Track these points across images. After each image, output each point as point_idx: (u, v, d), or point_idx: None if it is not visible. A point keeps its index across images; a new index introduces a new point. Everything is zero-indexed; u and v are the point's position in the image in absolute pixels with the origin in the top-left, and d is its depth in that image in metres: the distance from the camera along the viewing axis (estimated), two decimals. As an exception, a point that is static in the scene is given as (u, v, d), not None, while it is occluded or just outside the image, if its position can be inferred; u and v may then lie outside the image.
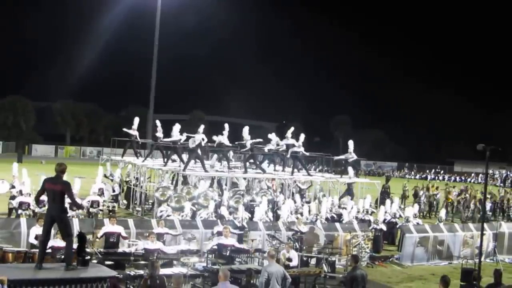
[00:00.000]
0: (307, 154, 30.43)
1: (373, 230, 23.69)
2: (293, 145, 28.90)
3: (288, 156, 29.37)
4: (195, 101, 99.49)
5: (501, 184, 69.42)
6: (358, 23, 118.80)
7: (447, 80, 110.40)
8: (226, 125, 29.04)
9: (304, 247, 19.57)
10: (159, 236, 18.21)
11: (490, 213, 34.61)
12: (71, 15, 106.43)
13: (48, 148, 78.83)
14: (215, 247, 17.42)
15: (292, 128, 29.94)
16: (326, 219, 24.58)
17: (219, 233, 18.45)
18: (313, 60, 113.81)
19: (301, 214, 24.17)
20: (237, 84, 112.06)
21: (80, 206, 13.87)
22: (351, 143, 30.32)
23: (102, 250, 16.61)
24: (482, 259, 17.63)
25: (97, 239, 17.49)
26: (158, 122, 30.12)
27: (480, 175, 75.37)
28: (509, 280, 18.68)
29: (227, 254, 17.10)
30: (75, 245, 12.68)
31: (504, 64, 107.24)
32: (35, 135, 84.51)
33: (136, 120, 31.09)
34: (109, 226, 17.95)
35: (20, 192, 24.02)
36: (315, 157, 42.15)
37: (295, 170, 29.90)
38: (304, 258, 18.86)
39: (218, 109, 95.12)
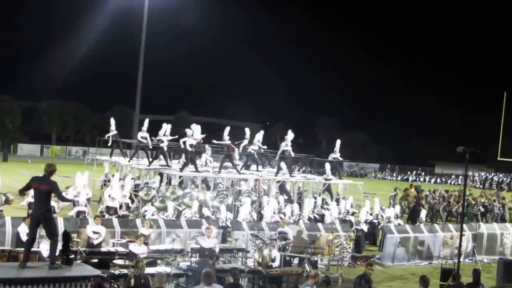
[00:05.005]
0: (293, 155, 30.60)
1: (355, 230, 24.03)
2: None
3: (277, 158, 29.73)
4: (181, 102, 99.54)
5: (481, 186, 70.22)
6: (344, 26, 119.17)
7: (428, 83, 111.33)
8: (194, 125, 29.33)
9: (288, 248, 19.85)
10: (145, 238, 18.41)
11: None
12: (58, 15, 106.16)
13: (33, 147, 78.51)
14: (198, 246, 17.65)
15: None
16: (309, 219, 24.86)
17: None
18: (298, 62, 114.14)
19: (284, 214, 24.40)
20: (223, 84, 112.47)
21: (68, 200, 13.72)
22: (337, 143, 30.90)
23: (86, 249, 16.81)
24: (461, 259, 17.99)
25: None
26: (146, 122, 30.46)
27: (460, 177, 76.07)
28: (487, 280, 19.07)
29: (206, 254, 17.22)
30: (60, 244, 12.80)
31: (485, 67, 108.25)
32: (20, 135, 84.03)
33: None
34: (93, 226, 18.17)
35: None
36: (298, 158, 42.42)
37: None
38: (287, 258, 19.07)
39: (204, 110, 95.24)
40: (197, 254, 17.26)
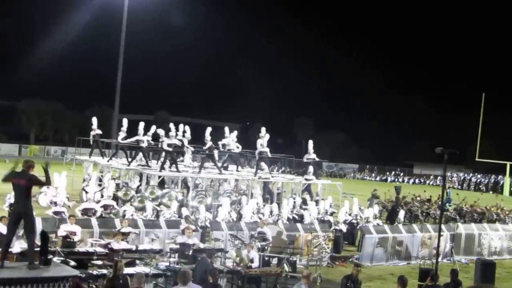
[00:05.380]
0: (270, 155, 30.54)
1: (334, 230, 24.10)
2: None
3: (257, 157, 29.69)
4: (160, 101, 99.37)
5: (459, 187, 70.73)
6: (325, 27, 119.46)
7: (407, 84, 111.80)
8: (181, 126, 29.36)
9: (267, 248, 19.86)
10: (124, 236, 18.36)
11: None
12: (37, 13, 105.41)
13: (12, 147, 77.83)
14: (177, 246, 17.65)
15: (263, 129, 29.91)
16: (288, 219, 24.88)
17: (183, 232, 18.63)
18: (279, 62, 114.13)
19: (263, 214, 24.39)
20: (203, 85, 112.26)
21: (50, 183, 13.46)
22: (310, 144, 30.88)
23: (64, 249, 16.71)
24: (439, 259, 18.13)
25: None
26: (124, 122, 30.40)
27: (439, 177, 76.58)
28: (465, 280, 19.17)
29: (189, 253, 17.30)
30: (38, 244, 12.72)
31: (464, 68, 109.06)
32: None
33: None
34: (68, 226, 18.08)
35: None
36: (278, 158, 42.53)
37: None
38: (266, 258, 19.11)
39: (184, 110, 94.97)
40: (176, 254, 17.25)
